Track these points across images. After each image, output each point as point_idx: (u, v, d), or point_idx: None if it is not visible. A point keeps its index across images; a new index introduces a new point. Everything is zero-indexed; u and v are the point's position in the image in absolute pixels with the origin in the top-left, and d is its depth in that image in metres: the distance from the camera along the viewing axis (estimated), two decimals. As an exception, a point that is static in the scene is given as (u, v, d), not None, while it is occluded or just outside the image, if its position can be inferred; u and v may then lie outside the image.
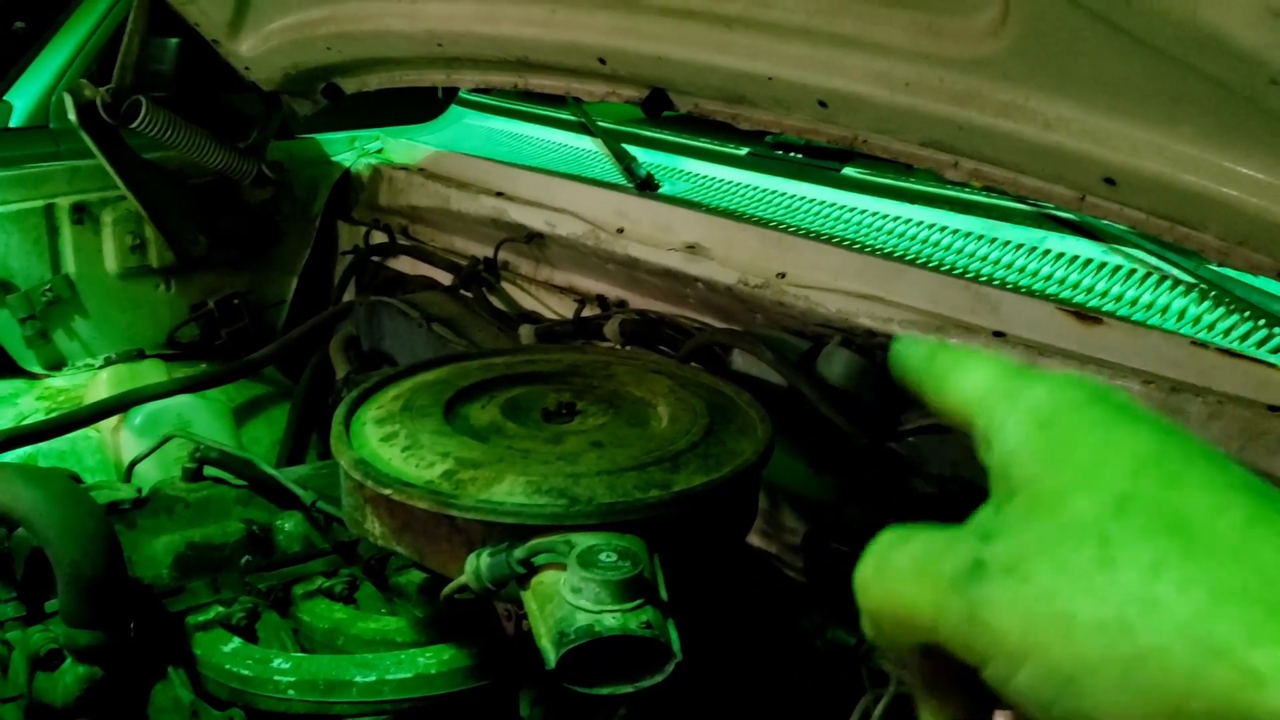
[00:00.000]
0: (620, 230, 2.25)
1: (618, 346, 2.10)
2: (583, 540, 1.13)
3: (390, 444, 1.36)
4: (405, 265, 2.88)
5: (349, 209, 3.11)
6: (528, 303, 2.53)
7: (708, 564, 1.43)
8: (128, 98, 2.43)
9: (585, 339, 2.20)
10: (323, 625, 1.53)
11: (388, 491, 1.25)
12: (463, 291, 2.60)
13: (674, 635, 1.07)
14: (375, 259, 2.94)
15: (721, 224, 2.14)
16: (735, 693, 1.49)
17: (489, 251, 2.57)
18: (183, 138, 2.54)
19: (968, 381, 0.48)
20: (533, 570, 1.14)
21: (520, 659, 1.36)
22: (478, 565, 1.16)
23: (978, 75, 1.35)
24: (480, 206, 2.60)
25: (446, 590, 1.22)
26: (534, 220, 2.44)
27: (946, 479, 1.61)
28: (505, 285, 2.58)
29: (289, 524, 1.68)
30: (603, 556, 1.10)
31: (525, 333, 2.26)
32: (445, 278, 2.69)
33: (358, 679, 1.38)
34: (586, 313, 2.33)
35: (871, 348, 1.75)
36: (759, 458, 1.37)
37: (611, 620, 1.05)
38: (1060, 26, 1.19)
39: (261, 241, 2.97)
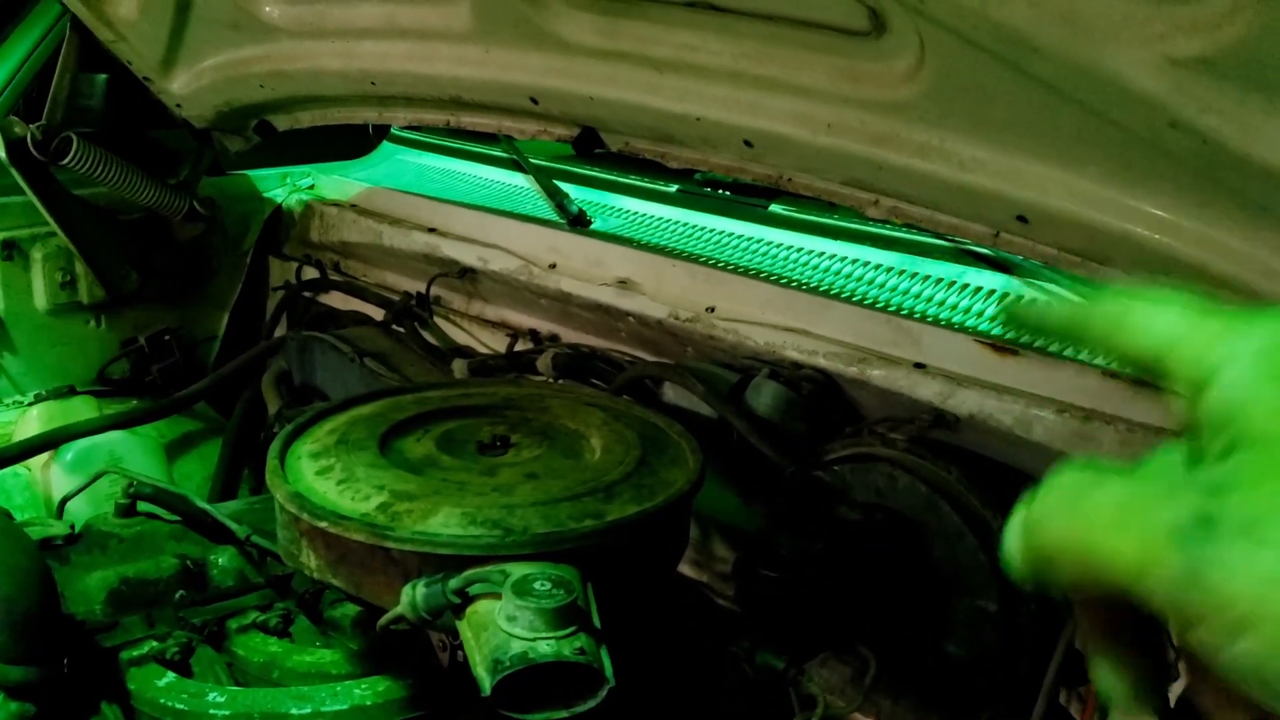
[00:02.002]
0: (553, 265, 2.28)
1: (550, 380, 2.12)
2: (517, 569, 1.16)
3: (326, 477, 1.37)
4: (337, 301, 2.88)
5: (280, 245, 3.10)
6: (460, 337, 2.55)
7: (640, 592, 1.46)
8: (58, 134, 2.43)
9: (518, 373, 2.22)
10: (258, 659, 1.53)
11: (324, 524, 1.26)
12: (395, 326, 2.61)
13: (607, 661, 1.10)
14: (307, 294, 2.94)
15: (652, 259, 2.18)
16: (668, 717, 1.51)
17: (421, 287, 2.59)
18: (114, 174, 2.53)
19: (1158, 322, 0.43)
20: (468, 600, 1.16)
21: (455, 689, 1.37)
22: (414, 596, 1.17)
23: (896, 118, 1.40)
24: (412, 242, 2.62)
25: (383, 621, 1.23)
26: (466, 256, 2.47)
27: (871, 506, 1.65)
28: (437, 320, 2.59)
29: (223, 559, 1.68)
30: (537, 585, 1.13)
31: (458, 367, 2.28)
32: (377, 313, 2.70)
33: (294, 711, 1.38)
34: (519, 347, 2.35)
35: (798, 380, 1.79)
36: (690, 487, 1.40)
37: (546, 647, 1.07)
38: (973, 72, 1.24)
39: (193, 277, 2.96)
